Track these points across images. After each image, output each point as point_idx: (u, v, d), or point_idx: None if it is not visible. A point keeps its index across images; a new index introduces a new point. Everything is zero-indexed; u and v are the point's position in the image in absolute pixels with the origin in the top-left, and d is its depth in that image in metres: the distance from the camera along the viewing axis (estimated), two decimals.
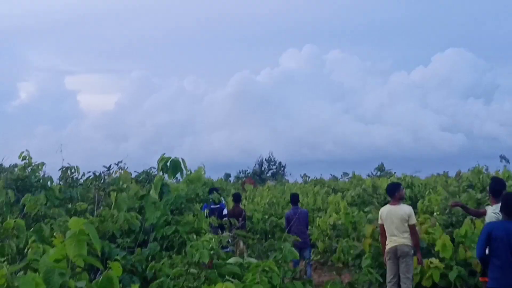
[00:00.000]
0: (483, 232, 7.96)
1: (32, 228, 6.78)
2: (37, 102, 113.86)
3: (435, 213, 14.45)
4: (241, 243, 8.93)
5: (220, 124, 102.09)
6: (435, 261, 10.71)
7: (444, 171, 29.73)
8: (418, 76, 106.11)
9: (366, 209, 17.39)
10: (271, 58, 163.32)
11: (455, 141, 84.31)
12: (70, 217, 4.70)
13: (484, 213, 9.88)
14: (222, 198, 11.83)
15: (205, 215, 9.46)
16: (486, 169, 22.71)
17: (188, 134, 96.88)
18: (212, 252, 6.52)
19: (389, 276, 10.25)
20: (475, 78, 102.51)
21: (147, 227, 8.56)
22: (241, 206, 15.25)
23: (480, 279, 9.13)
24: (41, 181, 10.31)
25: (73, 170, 11.10)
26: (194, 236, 7.92)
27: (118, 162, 12.14)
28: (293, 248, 7.73)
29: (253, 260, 7.16)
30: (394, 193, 10.56)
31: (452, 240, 11.11)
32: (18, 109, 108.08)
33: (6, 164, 11.12)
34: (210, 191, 10.72)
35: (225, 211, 13.40)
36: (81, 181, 11.42)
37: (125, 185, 10.33)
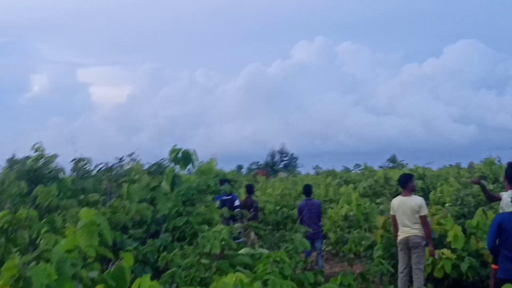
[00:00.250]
0: (494, 223, 7.92)
1: (44, 219, 6.82)
2: (50, 95, 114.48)
3: (446, 204, 14.42)
4: (252, 234, 8.95)
5: (232, 116, 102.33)
6: (446, 252, 10.68)
7: (456, 163, 29.62)
8: (430, 67, 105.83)
9: (378, 201, 17.37)
10: (283, 50, 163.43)
11: (467, 132, 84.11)
12: (82, 208, 4.72)
13: (499, 199, 9.81)
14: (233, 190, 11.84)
15: (217, 206, 9.49)
16: (499, 160, 22.62)
17: (200, 126, 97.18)
18: (223, 242, 6.54)
19: (400, 267, 10.24)
20: (487, 69, 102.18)
21: (159, 218, 8.59)
22: (254, 198, 15.27)
23: (492, 266, 9.07)
24: (53, 172, 10.35)
25: (85, 162, 11.14)
26: (206, 227, 7.93)
27: (130, 153, 12.18)
28: (304, 239, 7.74)
29: (265, 251, 7.18)
30: (406, 184, 10.53)
31: (464, 231, 11.07)
32: (31, 101, 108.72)
33: (19, 156, 11.16)
34: (221, 183, 10.74)
35: (236, 202, 13.43)
36: (93, 172, 11.45)
37: (137, 177, 10.36)
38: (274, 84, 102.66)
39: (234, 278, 4.44)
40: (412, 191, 10.53)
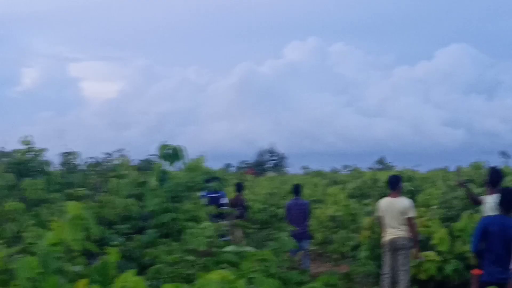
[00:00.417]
0: (479, 226, 7.99)
1: (31, 212, 6.81)
2: (40, 89, 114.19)
3: (433, 207, 14.46)
4: (239, 232, 8.96)
5: (222, 114, 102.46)
6: (432, 254, 10.74)
7: (444, 166, 29.71)
8: (421, 70, 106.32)
9: (365, 202, 17.41)
10: (275, 49, 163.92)
11: (456, 136, 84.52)
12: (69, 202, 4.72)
13: (481, 202, 9.83)
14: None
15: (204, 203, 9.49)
16: (486, 165, 22.68)
17: (190, 124, 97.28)
18: (209, 239, 6.54)
19: (385, 269, 10.28)
20: (478, 74, 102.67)
21: (145, 214, 8.58)
22: (243, 196, 15.30)
23: (471, 271, 9.10)
24: (41, 165, 10.33)
25: (73, 156, 11.11)
26: (192, 224, 7.93)
27: (119, 149, 12.16)
28: (291, 238, 7.76)
29: (250, 249, 7.19)
30: (396, 185, 10.60)
31: (450, 233, 11.13)
32: (21, 95, 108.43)
33: (8, 149, 11.12)
34: (208, 180, 10.74)
35: (224, 200, 13.44)
36: (82, 167, 11.43)
37: (125, 172, 10.35)
38: (265, 83, 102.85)
39: (218, 275, 4.45)
40: (399, 192, 10.60)
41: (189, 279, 5.82)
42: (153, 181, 8.83)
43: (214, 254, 6.72)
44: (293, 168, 58.15)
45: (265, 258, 6.11)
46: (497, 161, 33.72)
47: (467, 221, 11.33)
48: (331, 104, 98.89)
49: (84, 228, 4.31)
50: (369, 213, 13.67)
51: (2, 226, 6.27)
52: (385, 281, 10.29)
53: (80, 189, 9.98)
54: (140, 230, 8.36)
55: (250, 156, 67.64)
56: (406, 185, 18.47)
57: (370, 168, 34.65)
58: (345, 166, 34.68)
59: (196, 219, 8.45)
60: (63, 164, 11.24)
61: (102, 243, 7.04)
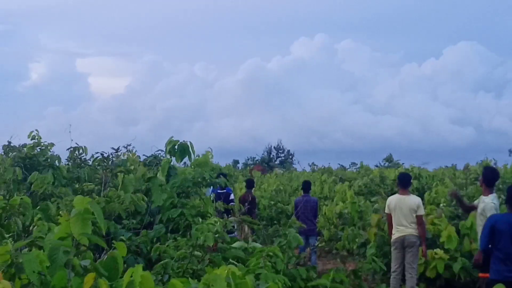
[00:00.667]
0: (487, 224, 7.95)
1: (38, 206, 6.81)
2: (48, 84, 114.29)
3: (441, 205, 14.43)
4: (246, 228, 8.95)
5: (229, 111, 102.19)
6: (439, 252, 10.71)
7: (452, 164, 29.64)
8: (429, 68, 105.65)
9: (372, 199, 17.38)
10: (283, 46, 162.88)
11: (464, 134, 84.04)
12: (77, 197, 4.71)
13: (473, 208, 9.68)
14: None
15: (212, 199, 9.49)
16: (495, 163, 22.63)
17: (198, 120, 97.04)
18: (217, 235, 6.54)
19: (394, 266, 10.26)
20: (486, 71, 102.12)
21: (153, 209, 8.59)
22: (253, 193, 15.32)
23: (480, 275, 9.05)
24: (49, 160, 10.33)
25: (81, 151, 11.11)
26: (200, 220, 7.93)
27: (127, 145, 12.17)
28: (297, 234, 7.75)
29: (258, 245, 7.19)
30: (407, 183, 10.60)
31: (458, 231, 11.09)
32: (28, 90, 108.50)
33: (16, 144, 11.13)
34: (218, 176, 10.75)
35: (231, 196, 13.45)
36: (89, 162, 11.43)
37: (132, 167, 10.35)
38: (273, 80, 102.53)
39: (226, 271, 4.43)
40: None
41: (196, 275, 5.82)
42: (160, 177, 8.84)
43: (222, 250, 6.71)
44: (301, 165, 58.15)
45: (272, 254, 6.11)
46: (505, 159, 33.56)
47: (474, 220, 11.29)
48: (338, 101, 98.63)
49: (91, 222, 4.30)
50: (377, 211, 13.66)
51: (9, 220, 6.27)
52: (394, 278, 10.27)
53: (87, 184, 10.00)
54: (148, 225, 8.37)
55: (257, 153, 67.57)
56: (413, 183, 18.52)
57: (377, 166, 34.66)
58: (353, 164, 34.60)
59: (203, 215, 8.45)
60: (71, 159, 11.24)
61: (110, 238, 7.06)
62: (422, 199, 12.89)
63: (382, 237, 11.29)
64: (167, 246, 6.77)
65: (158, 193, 8.49)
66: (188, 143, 8.78)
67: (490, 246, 7.87)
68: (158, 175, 8.92)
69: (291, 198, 20.52)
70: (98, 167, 11.08)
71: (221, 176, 9.86)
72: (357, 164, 32.73)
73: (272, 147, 69.30)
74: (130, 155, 11.78)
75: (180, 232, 8.06)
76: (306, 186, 14.21)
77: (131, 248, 7.20)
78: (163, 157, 10.31)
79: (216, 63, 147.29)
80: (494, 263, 7.80)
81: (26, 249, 4.29)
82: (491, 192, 9.08)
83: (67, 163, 11.26)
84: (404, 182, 10.61)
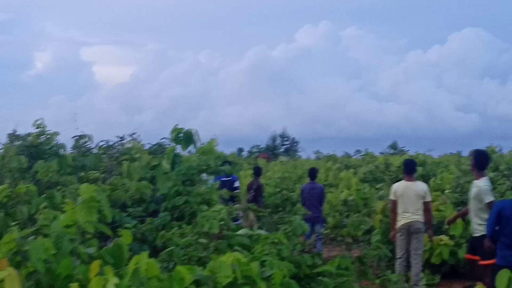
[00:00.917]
0: (493, 210, 7.94)
1: (44, 195, 6.83)
2: (53, 72, 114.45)
3: (446, 191, 14.43)
4: (251, 215, 8.97)
5: (234, 99, 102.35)
6: (445, 238, 10.72)
7: (457, 151, 29.63)
8: (434, 55, 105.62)
9: (377, 186, 17.38)
10: (287, 33, 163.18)
11: (469, 121, 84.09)
12: (82, 185, 4.72)
13: (467, 212, 9.60)
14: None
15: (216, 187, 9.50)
16: (500, 149, 22.63)
17: (203, 108, 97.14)
18: (222, 222, 6.55)
19: (399, 252, 10.27)
20: (491, 58, 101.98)
21: (158, 197, 8.60)
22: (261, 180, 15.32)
23: (480, 262, 9.04)
24: (54, 148, 10.35)
25: (86, 139, 11.13)
26: (205, 207, 7.94)
27: (132, 133, 12.19)
28: (303, 221, 7.75)
29: (263, 232, 7.19)
30: (413, 169, 10.60)
31: (463, 218, 11.09)
32: (33, 79, 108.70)
33: (21, 132, 11.15)
34: (223, 164, 10.76)
35: (236, 184, 13.46)
36: (94, 150, 11.46)
37: (137, 155, 10.37)
38: (277, 67, 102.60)
39: (231, 258, 4.45)
40: None
41: (201, 262, 5.83)
42: (165, 165, 8.84)
43: (227, 237, 6.72)
44: (305, 153, 58.19)
45: (277, 241, 6.11)
46: (510, 146, 33.54)
47: None
48: (343, 89, 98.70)
49: (97, 210, 4.32)
50: (382, 198, 13.65)
51: (15, 208, 6.29)
52: (399, 265, 10.28)
53: (93, 172, 10.02)
54: (153, 213, 8.39)
55: (262, 140, 67.65)
56: (418, 170, 18.51)
57: (382, 153, 34.66)
58: (358, 151, 34.59)
59: (208, 202, 8.46)
60: (76, 147, 11.26)
61: (115, 225, 7.08)
62: (427, 185, 12.89)
63: (387, 224, 11.29)
64: (172, 233, 6.78)
65: (163, 181, 8.50)
66: (193, 131, 8.78)
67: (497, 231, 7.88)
68: (163, 163, 8.93)
69: (296, 185, 20.51)
70: (103, 156, 11.11)
71: (226, 163, 9.87)
72: (362, 151, 32.72)
73: (277, 135, 69.34)
74: (135, 143, 11.79)
75: (185, 220, 8.07)
76: (313, 173, 14.21)
77: (137, 235, 7.23)
78: (168, 145, 10.33)
79: (220, 51, 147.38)
80: (500, 249, 7.79)
81: (32, 237, 4.31)
82: (483, 176, 9.08)
83: (72, 151, 11.28)
84: (409, 168, 10.61)
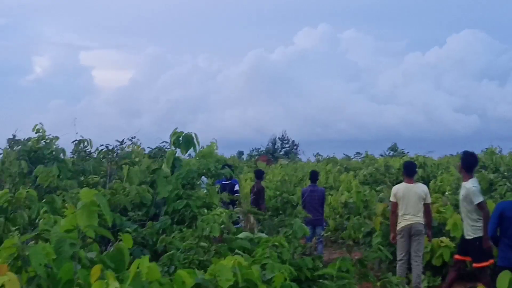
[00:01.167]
0: (495, 211, 7.95)
1: (44, 199, 6.83)
2: (52, 77, 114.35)
3: (446, 193, 14.43)
4: (252, 218, 8.95)
5: (233, 102, 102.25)
6: (445, 240, 10.72)
7: (457, 152, 29.56)
8: (433, 57, 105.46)
9: (378, 188, 17.37)
10: (286, 36, 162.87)
11: (469, 122, 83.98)
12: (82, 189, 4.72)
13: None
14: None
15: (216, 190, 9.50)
16: (500, 151, 22.59)
17: (202, 111, 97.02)
18: (222, 226, 6.54)
19: (400, 254, 10.26)
20: (490, 59, 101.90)
21: (158, 201, 8.59)
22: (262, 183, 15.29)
23: (474, 265, 9.06)
24: (53, 153, 10.34)
25: (86, 143, 11.13)
26: (205, 211, 7.94)
27: (131, 137, 12.19)
28: (303, 224, 7.75)
29: (264, 235, 7.19)
30: (413, 171, 10.62)
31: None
32: (33, 83, 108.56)
33: (20, 137, 11.15)
34: (223, 167, 10.76)
35: (236, 187, 13.45)
36: (94, 154, 11.46)
37: (137, 159, 10.36)
38: (276, 70, 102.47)
39: (232, 261, 4.44)
40: None
41: (202, 266, 5.82)
42: (165, 168, 8.84)
43: (227, 241, 6.72)
44: (305, 155, 58.12)
45: (278, 244, 6.11)
46: (510, 147, 33.48)
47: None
48: (342, 91, 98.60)
49: (97, 215, 4.31)
50: (382, 200, 13.65)
51: (16, 213, 6.28)
52: (400, 267, 10.28)
53: (93, 176, 10.01)
54: (153, 217, 8.37)
55: (262, 144, 67.55)
56: (418, 172, 18.51)
57: (382, 155, 34.56)
58: (357, 153, 34.50)
59: (208, 206, 8.46)
60: (76, 152, 11.26)
61: (116, 230, 7.07)
62: (428, 187, 12.92)
63: (388, 226, 11.30)
64: (173, 237, 6.78)
65: (163, 184, 8.49)
66: (193, 135, 8.77)
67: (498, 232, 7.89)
68: (163, 166, 8.93)
69: (296, 188, 20.48)
70: (103, 160, 11.11)
71: (226, 167, 9.86)
72: (361, 154, 32.63)
73: (277, 138, 69.32)
74: (135, 147, 11.80)
75: (186, 224, 8.07)
76: (314, 176, 14.22)
77: (137, 240, 7.22)
78: (168, 149, 10.32)
79: (219, 54, 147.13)
80: (502, 250, 7.80)
81: (33, 242, 4.30)
82: (471, 177, 9.11)
83: (72, 156, 11.29)
84: (409, 170, 10.62)
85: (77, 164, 10.58)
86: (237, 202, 11.03)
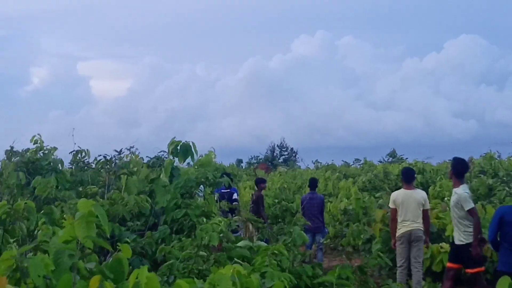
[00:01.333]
0: (495, 216, 7.95)
1: (42, 210, 6.81)
2: (50, 87, 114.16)
3: (445, 198, 14.42)
4: (251, 227, 8.95)
5: (232, 110, 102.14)
6: (445, 246, 10.70)
7: None
8: (431, 62, 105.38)
9: (377, 195, 17.37)
10: (283, 44, 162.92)
11: (467, 127, 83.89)
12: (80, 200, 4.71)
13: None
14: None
15: (215, 199, 9.49)
16: (498, 156, 22.63)
17: (200, 120, 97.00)
18: (221, 235, 6.53)
19: (400, 261, 10.25)
20: (487, 64, 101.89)
21: (157, 210, 8.59)
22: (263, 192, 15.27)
23: (466, 270, 9.05)
24: (51, 163, 10.33)
25: (84, 154, 11.12)
26: (204, 220, 7.93)
27: (130, 147, 12.17)
28: (302, 232, 7.74)
29: (263, 244, 7.18)
30: (412, 177, 10.62)
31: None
32: (31, 94, 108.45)
33: (18, 148, 11.14)
34: (222, 176, 10.75)
35: (235, 196, 13.43)
36: (92, 165, 11.44)
37: (135, 169, 10.35)
38: (274, 78, 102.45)
39: (231, 270, 4.43)
40: None
41: (202, 275, 5.81)
42: (163, 178, 8.83)
43: (227, 250, 6.71)
44: (304, 163, 58.16)
45: (277, 252, 6.11)
46: (509, 152, 33.52)
47: (479, 213, 11.28)
48: (340, 98, 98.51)
49: (96, 225, 4.30)
50: (381, 206, 13.64)
51: (14, 225, 6.27)
52: (400, 273, 10.26)
53: (91, 187, 10.00)
54: (152, 227, 8.37)
55: (261, 151, 67.53)
56: (417, 178, 18.51)
57: (381, 162, 34.58)
58: (356, 160, 34.51)
59: (207, 215, 8.45)
60: (74, 162, 11.25)
61: (114, 240, 7.06)
62: (427, 193, 12.92)
63: (387, 233, 11.29)
64: (172, 247, 6.78)
65: (162, 194, 8.49)
66: (191, 144, 8.77)
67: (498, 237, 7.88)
68: (161, 176, 8.92)
69: (296, 195, 20.50)
70: (101, 170, 11.09)
71: (224, 175, 9.86)
72: (360, 160, 32.64)
73: (276, 146, 69.31)
74: (133, 157, 11.78)
75: (185, 233, 8.06)
76: (313, 183, 14.20)
77: (136, 250, 7.21)
78: (166, 158, 10.31)
79: (217, 62, 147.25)
80: (502, 254, 7.79)
81: (31, 253, 4.29)
82: (461, 183, 9.12)
83: (70, 166, 11.27)
84: (408, 177, 10.62)
85: (75, 175, 10.57)
86: (236, 210, 11.03)
